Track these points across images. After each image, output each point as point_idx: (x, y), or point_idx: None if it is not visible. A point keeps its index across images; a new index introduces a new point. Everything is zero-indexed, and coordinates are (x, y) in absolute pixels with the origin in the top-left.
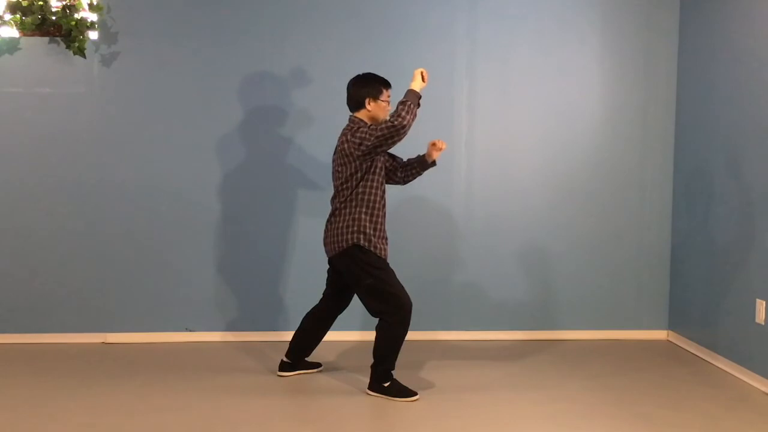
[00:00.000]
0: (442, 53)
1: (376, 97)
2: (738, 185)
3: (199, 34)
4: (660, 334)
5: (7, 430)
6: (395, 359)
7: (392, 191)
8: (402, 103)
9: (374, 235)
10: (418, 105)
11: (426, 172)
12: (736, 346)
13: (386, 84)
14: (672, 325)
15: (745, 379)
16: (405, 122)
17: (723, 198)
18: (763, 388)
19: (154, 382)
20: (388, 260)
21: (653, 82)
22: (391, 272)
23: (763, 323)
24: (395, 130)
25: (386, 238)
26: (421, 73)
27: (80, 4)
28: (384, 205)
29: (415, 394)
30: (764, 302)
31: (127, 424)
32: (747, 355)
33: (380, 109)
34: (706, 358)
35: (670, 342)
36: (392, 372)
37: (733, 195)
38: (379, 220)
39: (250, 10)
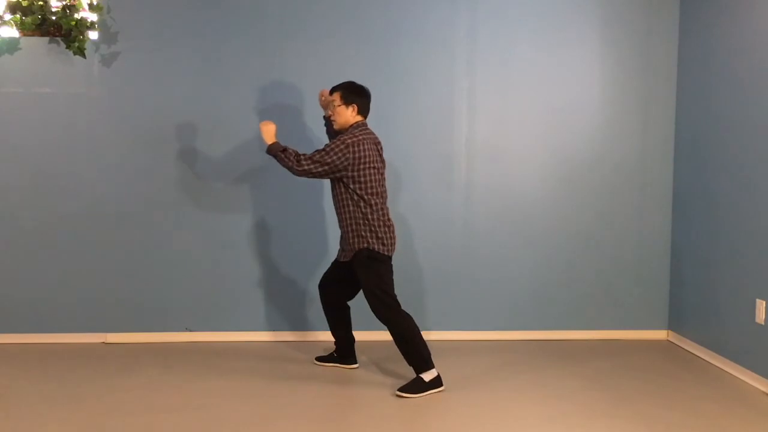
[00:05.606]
0: (442, 53)
1: None
2: (738, 184)
3: (199, 34)
4: (660, 334)
5: (7, 430)
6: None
7: (391, 192)
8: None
9: None
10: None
11: (427, 173)
12: (736, 346)
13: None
14: (672, 325)
15: (745, 379)
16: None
17: (723, 198)
18: (763, 388)
19: (154, 382)
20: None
21: (653, 81)
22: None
23: (763, 323)
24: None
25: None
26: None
27: (80, 4)
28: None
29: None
30: (764, 302)
31: (127, 424)
32: (747, 355)
33: None
34: (706, 358)
35: (670, 342)
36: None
37: (733, 194)
38: None
39: (250, 10)
